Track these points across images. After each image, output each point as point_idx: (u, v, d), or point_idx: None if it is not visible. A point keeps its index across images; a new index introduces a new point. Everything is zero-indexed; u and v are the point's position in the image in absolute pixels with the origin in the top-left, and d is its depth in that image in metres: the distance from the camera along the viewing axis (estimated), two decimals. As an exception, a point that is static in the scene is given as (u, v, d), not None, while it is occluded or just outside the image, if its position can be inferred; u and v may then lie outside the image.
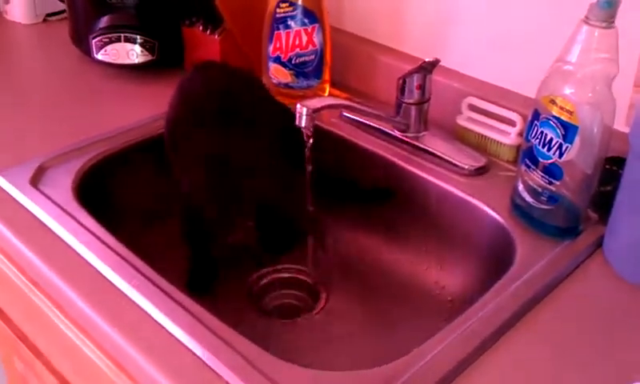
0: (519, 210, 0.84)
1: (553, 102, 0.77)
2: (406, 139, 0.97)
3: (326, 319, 0.90)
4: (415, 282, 0.93)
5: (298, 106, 0.82)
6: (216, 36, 1.09)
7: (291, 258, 0.96)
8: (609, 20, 0.72)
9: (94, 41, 1.13)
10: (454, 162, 0.93)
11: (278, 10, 1.04)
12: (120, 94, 1.09)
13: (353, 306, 0.91)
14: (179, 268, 0.87)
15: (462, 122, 0.99)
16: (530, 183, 0.81)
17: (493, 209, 0.86)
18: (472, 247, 0.89)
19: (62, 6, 1.28)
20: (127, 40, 1.12)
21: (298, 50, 1.06)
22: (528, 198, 0.82)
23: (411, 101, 0.96)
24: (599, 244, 0.81)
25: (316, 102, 0.83)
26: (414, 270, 0.94)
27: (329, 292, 0.93)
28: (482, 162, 0.93)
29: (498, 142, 0.95)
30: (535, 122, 0.80)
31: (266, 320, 0.90)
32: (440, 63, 0.95)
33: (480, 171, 0.93)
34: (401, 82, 0.95)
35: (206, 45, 1.11)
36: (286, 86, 1.08)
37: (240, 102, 0.89)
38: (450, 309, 0.89)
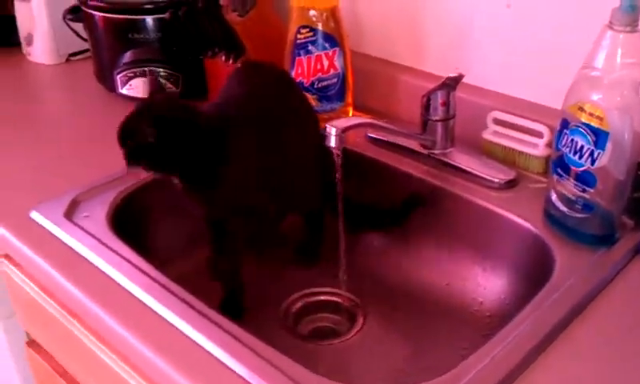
0: (554, 220, 0.84)
1: (581, 109, 0.77)
2: (434, 156, 0.98)
3: (363, 340, 0.89)
4: (452, 299, 0.92)
5: (327, 126, 0.82)
6: (239, 64, 1.10)
7: (325, 280, 0.96)
8: (632, 24, 0.73)
9: (118, 76, 1.15)
10: (483, 176, 0.94)
11: (298, 36, 1.05)
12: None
13: (390, 326, 0.91)
14: (216, 293, 0.87)
15: (488, 136, 0.99)
16: (564, 192, 0.81)
17: (527, 220, 0.86)
18: (508, 260, 0.89)
19: (85, 45, 1.30)
20: (151, 74, 1.14)
21: (320, 74, 1.07)
22: (562, 208, 0.82)
23: (436, 118, 0.96)
24: (637, 250, 0.80)
25: (344, 122, 0.84)
26: (451, 287, 0.93)
27: (365, 313, 0.92)
28: (511, 174, 0.93)
29: (526, 154, 0.96)
30: (565, 130, 0.80)
31: (302, 343, 0.90)
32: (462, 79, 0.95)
33: (510, 184, 0.93)
34: (425, 99, 0.96)
35: (228, 74, 1.12)
36: (310, 110, 1.09)
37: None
38: (488, 324, 0.88)
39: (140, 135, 0.77)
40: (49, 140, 1.09)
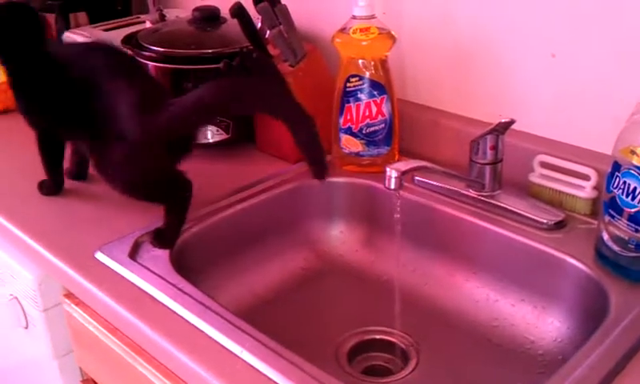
0: (605, 259, 0.86)
1: (633, 152, 0.79)
2: (483, 198, 1.00)
3: (417, 380, 0.91)
4: (504, 337, 0.94)
5: (388, 169, 0.85)
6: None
7: (379, 316, 0.98)
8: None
9: (171, 123, 1.18)
10: (532, 217, 0.96)
11: (348, 85, 1.09)
12: (197, 172, 1.13)
13: (444, 365, 0.92)
14: (280, 328, 0.89)
15: (534, 179, 1.02)
16: (616, 232, 0.83)
17: (578, 260, 0.88)
18: (559, 299, 0.91)
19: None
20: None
21: (368, 120, 1.10)
22: (615, 248, 0.84)
23: (485, 161, 0.99)
24: (692, 288, 0.82)
25: (403, 165, 0.87)
26: (502, 325, 0.95)
27: (418, 351, 0.94)
28: (560, 216, 0.96)
29: (572, 196, 0.98)
30: (616, 173, 0.82)
31: (355, 381, 0.91)
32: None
33: (559, 225, 0.95)
34: (474, 143, 0.99)
35: (277, 123, 1.15)
36: (357, 155, 1.12)
37: None
38: (541, 363, 0.89)
39: None
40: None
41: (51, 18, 1.53)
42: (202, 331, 0.77)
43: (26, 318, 1.03)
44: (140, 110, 0.89)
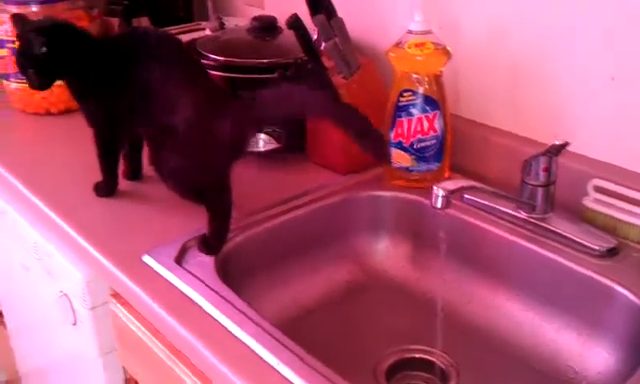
0: (658, 291, 0.83)
1: (690, 181, 0.77)
2: (533, 220, 0.98)
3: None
4: (547, 364, 0.92)
5: (435, 188, 0.85)
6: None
7: (420, 334, 0.97)
8: None
9: (224, 130, 1.20)
10: (583, 242, 0.93)
11: (400, 99, 1.09)
12: (248, 181, 1.15)
13: (484, 388, 0.91)
14: (321, 340, 0.89)
15: (588, 203, 0.99)
16: (670, 264, 0.81)
17: (629, 290, 0.85)
18: (607, 329, 0.88)
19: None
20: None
21: (419, 135, 1.09)
22: (668, 279, 0.81)
23: (537, 183, 0.97)
24: None
25: (450, 184, 0.86)
26: (545, 352, 0.93)
27: (458, 373, 0.93)
28: (612, 243, 0.93)
29: (627, 223, 0.95)
30: (672, 202, 0.80)
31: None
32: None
33: (611, 252, 0.92)
34: (527, 164, 0.97)
35: (329, 132, 1.16)
36: (407, 169, 1.11)
37: None
38: (585, 393, 0.87)
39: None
40: (161, 187, 1.14)
41: (115, 22, 1.56)
42: (240, 340, 0.77)
43: (74, 314, 1.06)
44: (207, 106, 0.93)
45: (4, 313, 1.58)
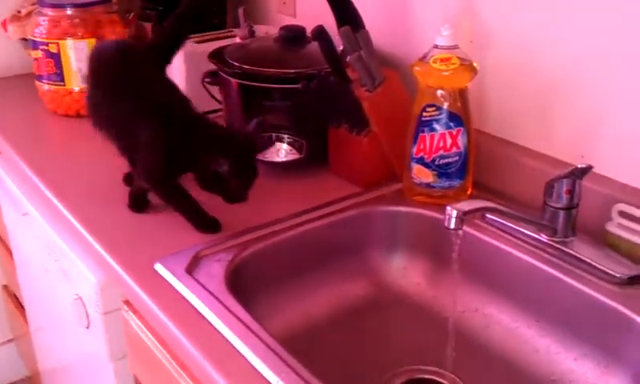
0: (679, 324, 0.80)
1: None
2: (554, 244, 0.95)
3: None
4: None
5: (448, 208, 0.83)
6: (362, 137, 1.12)
7: (430, 355, 0.95)
8: None
9: (247, 137, 1.20)
10: (604, 269, 0.90)
11: (424, 114, 1.07)
12: (267, 190, 1.14)
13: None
14: (332, 355, 0.88)
15: (612, 228, 0.96)
16: (692, 297, 0.77)
17: (649, 321, 0.82)
18: (626, 362, 0.85)
19: (216, 105, 1.37)
20: (277, 139, 1.18)
21: (441, 151, 1.07)
22: (689, 313, 0.78)
23: (560, 205, 0.94)
24: None
25: (466, 205, 0.84)
26: (561, 381, 0.90)
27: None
28: (635, 270, 0.90)
29: (652, 251, 0.92)
30: (697, 232, 0.76)
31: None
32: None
33: (633, 280, 0.89)
34: (549, 186, 0.94)
35: (351, 145, 1.15)
36: (428, 185, 1.09)
37: None
38: (600, 426, 0.84)
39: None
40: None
41: (149, 27, 1.58)
42: (242, 355, 0.76)
43: (87, 318, 1.07)
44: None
45: (27, 312, 1.60)
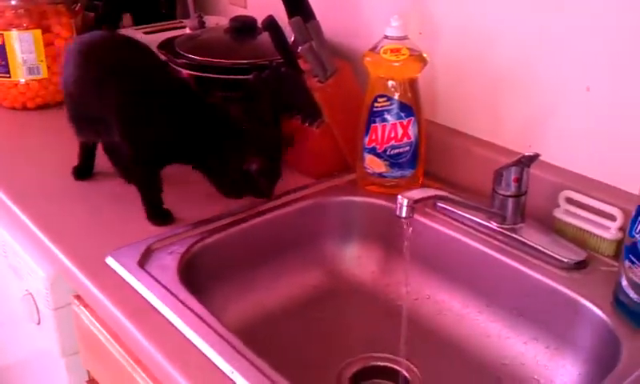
0: (623, 306, 0.82)
1: (658, 197, 0.76)
2: (503, 231, 0.97)
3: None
4: (513, 377, 0.91)
5: (399, 197, 0.83)
6: (314, 128, 1.13)
7: (385, 343, 0.96)
8: None
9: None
10: (552, 254, 0.92)
11: (375, 104, 1.07)
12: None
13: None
14: (287, 346, 0.88)
15: (559, 214, 0.98)
16: (635, 279, 0.80)
17: (595, 304, 0.85)
18: (574, 343, 0.87)
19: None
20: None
21: (393, 141, 1.08)
22: (632, 295, 0.80)
23: (508, 193, 0.96)
24: None
25: (416, 194, 0.85)
26: (512, 365, 0.92)
27: (422, 383, 0.92)
28: (581, 255, 0.92)
29: (597, 236, 0.94)
30: (639, 217, 0.79)
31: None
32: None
33: (580, 265, 0.91)
34: (498, 174, 0.96)
35: (303, 136, 1.15)
36: (380, 175, 1.10)
37: None
38: (548, 406, 0.87)
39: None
40: (130, 185, 1.13)
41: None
42: (196, 347, 0.76)
43: (38, 314, 1.05)
44: None
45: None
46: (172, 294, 0.84)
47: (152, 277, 0.87)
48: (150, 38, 1.42)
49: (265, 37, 1.21)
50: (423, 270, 1.02)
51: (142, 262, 0.90)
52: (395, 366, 0.94)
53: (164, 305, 0.82)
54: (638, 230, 0.79)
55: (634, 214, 0.80)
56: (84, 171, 1.14)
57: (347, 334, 1.01)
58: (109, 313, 0.84)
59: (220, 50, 1.23)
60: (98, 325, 0.92)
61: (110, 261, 0.91)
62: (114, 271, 0.89)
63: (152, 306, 0.83)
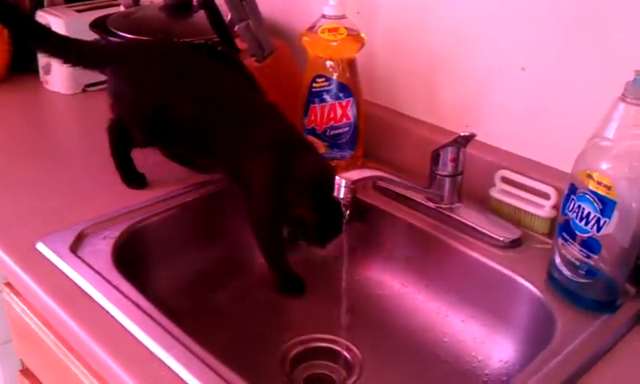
0: (556, 283, 0.84)
1: (590, 176, 0.77)
2: (441, 210, 0.98)
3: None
4: (451, 353, 0.92)
5: (337, 177, 0.83)
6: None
7: (325, 325, 0.96)
8: (645, 98, 0.73)
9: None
10: (488, 233, 0.94)
11: (314, 85, 1.07)
12: (155, 162, 1.11)
13: (387, 378, 0.90)
14: (227, 330, 0.87)
15: (495, 194, 0.99)
16: (568, 256, 0.81)
17: (529, 281, 0.86)
18: (509, 320, 0.89)
19: (101, 77, 1.32)
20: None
21: (332, 122, 1.08)
22: (565, 272, 0.82)
23: (445, 173, 0.97)
24: (639, 318, 0.80)
25: (354, 174, 0.85)
26: (450, 341, 0.93)
27: (363, 362, 0.92)
28: (516, 234, 0.93)
29: (532, 214, 0.96)
30: (572, 196, 0.80)
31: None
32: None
33: (515, 243, 0.93)
34: (435, 154, 0.97)
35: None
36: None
37: None
38: (485, 383, 0.88)
39: None
40: (61, 170, 1.09)
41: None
42: (131, 333, 0.74)
43: (-33, 302, 1.01)
44: None
45: None
46: (105, 279, 0.82)
47: (85, 262, 0.85)
48: (82, 16, 1.37)
49: (201, 15, 1.18)
50: (364, 251, 1.02)
51: (74, 248, 0.88)
52: (336, 347, 0.94)
53: (97, 291, 0.80)
54: (570, 208, 0.80)
55: (566, 192, 0.82)
56: (140, 177, 1.06)
57: (288, 316, 1.00)
58: (40, 300, 0.82)
59: (155, 28, 1.20)
60: (29, 312, 0.90)
61: (41, 247, 0.88)
62: (45, 257, 0.87)
63: (84, 292, 0.81)
